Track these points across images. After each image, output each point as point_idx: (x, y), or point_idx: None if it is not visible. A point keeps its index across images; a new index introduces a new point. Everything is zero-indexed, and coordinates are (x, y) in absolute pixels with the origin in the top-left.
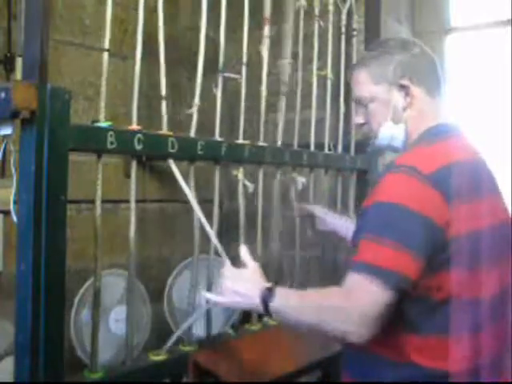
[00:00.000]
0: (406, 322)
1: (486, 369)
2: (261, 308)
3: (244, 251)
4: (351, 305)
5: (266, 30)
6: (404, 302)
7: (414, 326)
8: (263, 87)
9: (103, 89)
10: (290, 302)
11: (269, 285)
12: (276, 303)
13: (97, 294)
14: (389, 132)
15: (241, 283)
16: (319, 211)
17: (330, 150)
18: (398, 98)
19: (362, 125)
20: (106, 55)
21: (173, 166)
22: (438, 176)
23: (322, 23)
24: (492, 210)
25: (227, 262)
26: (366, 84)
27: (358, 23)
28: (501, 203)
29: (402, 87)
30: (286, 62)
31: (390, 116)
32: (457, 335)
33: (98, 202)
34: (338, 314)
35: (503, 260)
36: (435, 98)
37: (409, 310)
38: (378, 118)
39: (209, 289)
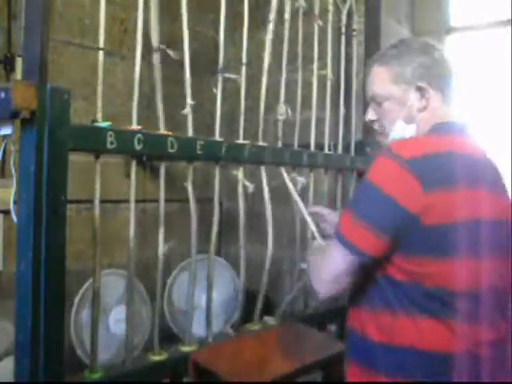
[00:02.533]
0: (402, 306)
1: (483, 359)
2: None
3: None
4: (323, 261)
5: (269, 31)
6: (398, 287)
7: (409, 310)
8: (263, 88)
9: (100, 88)
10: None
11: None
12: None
13: (96, 294)
14: (400, 132)
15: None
16: (324, 211)
17: (330, 150)
18: (413, 99)
19: (373, 121)
20: (101, 54)
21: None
22: (419, 163)
23: (320, 23)
24: (487, 205)
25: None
26: (383, 82)
27: (357, 23)
28: (502, 201)
29: (419, 89)
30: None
31: (404, 116)
32: (451, 322)
33: (97, 202)
34: (313, 266)
35: (494, 255)
36: (449, 104)
37: (404, 295)
38: (392, 117)
39: (209, 289)
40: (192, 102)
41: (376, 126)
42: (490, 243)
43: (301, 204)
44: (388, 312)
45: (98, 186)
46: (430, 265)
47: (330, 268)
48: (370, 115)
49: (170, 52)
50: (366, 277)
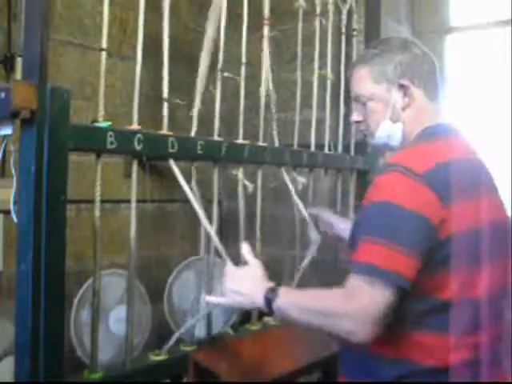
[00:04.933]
0: (405, 321)
1: (484, 366)
2: (264, 307)
3: (245, 249)
4: (355, 305)
5: (266, 31)
6: (404, 300)
7: (412, 324)
8: (262, 87)
9: (101, 88)
10: (293, 301)
11: (272, 284)
12: (279, 303)
13: (96, 294)
14: (386, 131)
15: (243, 283)
16: (324, 214)
17: (330, 149)
18: (396, 97)
19: (358, 122)
20: (103, 55)
21: (174, 166)
22: (433, 175)
23: (323, 21)
24: (489, 209)
25: (228, 262)
26: (365, 82)
27: (358, 23)
28: (497, 203)
29: (402, 87)
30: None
31: (389, 115)
32: (455, 334)
33: (98, 203)
34: (342, 314)
35: (498, 259)
36: (433, 100)
37: (408, 308)
38: (376, 117)
39: (209, 288)
40: (199, 105)
41: (362, 127)
42: (494, 248)
43: (300, 205)
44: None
45: (98, 186)
46: (441, 277)
47: (370, 312)
48: (355, 116)
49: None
50: None
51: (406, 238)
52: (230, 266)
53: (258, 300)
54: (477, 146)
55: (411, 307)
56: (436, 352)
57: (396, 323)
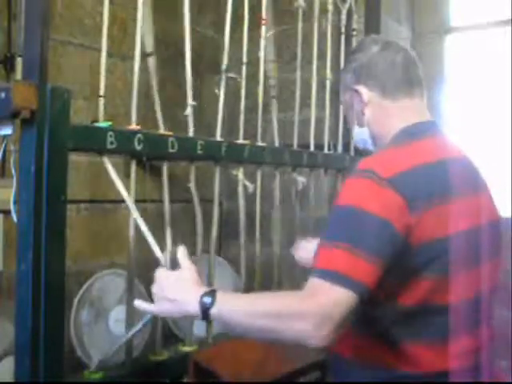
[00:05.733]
0: (381, 329)
1: (467, 372)
2: (198, 315)
3: (181, 252)
4: (312, 306)
5: (263, 31)
6: (378, 308)
7: (388, 333)
8: (260, 87)
9: (101, 88)
10: (236, 305)
11: (207, 289)
12: (218, 308)
13: (96, 294)
14: (358, 135)
15: (171, 288)
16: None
17: (329, 149)
18: (355, 102)
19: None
20: (103, 56)
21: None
22: (400, 179)
23: (323, 22)
24: (473, 210)
25: (161, 265)
26: (341, 91)
27: (357, 23)
28: (486, 202)
29: (356, 92)
30: (271, 64)
31: (355, 120)
32: (432, 341)
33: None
34: (297, 315)
35: (487, 261)
36: (399, 98)
37: (382, 316)
38: (350, 122)
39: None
40: (194, 103)
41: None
42: (480, 249)
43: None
44: (363, 332)
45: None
46: (417, 283)
47: (328, 313)
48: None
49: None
50: None
51: (367, 243)
52: (160, 270)
53: (190, 307)
54: (460, 145)
55: (385, 314)
56: (415, 360)
57: (371, 330)
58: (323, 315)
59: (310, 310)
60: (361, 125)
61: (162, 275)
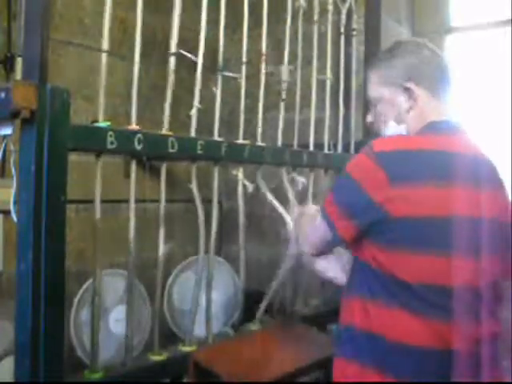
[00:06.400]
0: (378, 295)
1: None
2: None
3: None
4: (312, 237)
5: (264, 31)
6: (374, 274)
7: (383, 299)
8: (261, 88)
9: (101, 88)
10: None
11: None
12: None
13: (96, 294)
14: (391, 131)
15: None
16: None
17: (329, 149)
18: (401, 100)
19: (371, 123)
20: (104, 56)
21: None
22: (389, 156)
23: (323, 24)
24: (470, 202)
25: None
26: (375, 85)
27: (357, 23)
28: (496, 199)
29: (407, 90)
30: (284, 67)
31: (394, 117)
32: (425, 316)
33: (97, 202)
34: (305, 237)
35: (485, 253)
36: (438, 99)
37: (379, 283)
38: (383, 118)
39: (209, 289)
40: (198, 105)
41: (374, 128)
42: (477, 241)
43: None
44: (369, 299)
45: (98, 186)
46: (397, 257)
47: (314, 235)
48: (369, 117)
49: (190, 55)
50: (354, 265)
51: (344, 201)
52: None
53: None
54: (482, 144)
55: (382, 282)
56: (406, 330)
57: (373, 296)
58: (312, 243)
59: (309, 238)
60: (400, 121)
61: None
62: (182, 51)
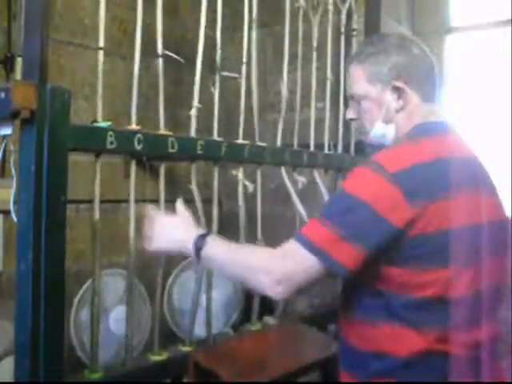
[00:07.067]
0: (385, 316)
1: (470, 364)
2: (193, 254)
3: (180, 202)
4: (279, 266)
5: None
6: (385, 296)
7: (392, 319)
8: (254, 87)
9: (100, 88)
10: (220, 251)
11: (202, 232)
12: (207, 250)
13: (96, 294)
14: (380, 131)
15: (174, 229)
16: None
17: (329, 149)
18: (390, 99)
19: (352, 120)
20: (101, 54)
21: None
22: (404, 174)
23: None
24: (477, 208)
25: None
26: (360, 81)
27: (357, 23)
28: (494, 201)
29: (396, 89)
30: (284, 73)
31: (382, 116)
32: (437, 330)
33: (97, 202)
34: (263, 270)
35: (491, 258)
36: (429, 101)
37: (387, 303)
38: (370, 117)
39: (209, 289)
40: (198, 105)
41: (356, 125)
42: (484, 246)
43: (299, 205)
44: (369, 321)
45: (97, 186)
46: (423, 274)
47: (289, 277)
48: (350, 114)
49: (176, 57)
50: (350, 287)
51: (354, 228)
52: (160, 214)
53: (188, 246)
54: (473, 144)
55: (390, 302)
56: (416, 347)
57: (377, 318)
58: (285, 275)
59: (275, 268)
60: (388, 121)
61: (163, 218)
62: (167, 52)
